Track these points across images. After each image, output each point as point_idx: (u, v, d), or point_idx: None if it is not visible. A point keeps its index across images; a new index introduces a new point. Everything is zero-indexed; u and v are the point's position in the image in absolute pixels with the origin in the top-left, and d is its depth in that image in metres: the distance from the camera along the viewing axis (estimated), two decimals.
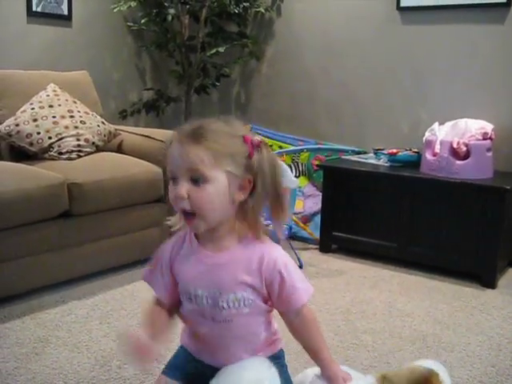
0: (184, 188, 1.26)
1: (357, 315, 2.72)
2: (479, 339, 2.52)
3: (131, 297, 2.86)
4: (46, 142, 3.14)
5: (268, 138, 4.01)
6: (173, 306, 1.47)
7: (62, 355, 2.26)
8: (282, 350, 1.53)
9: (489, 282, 3.14)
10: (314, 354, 1.44)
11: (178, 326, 1.55)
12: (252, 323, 1.42)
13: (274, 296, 1.38)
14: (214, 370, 1.43)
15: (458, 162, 3.22)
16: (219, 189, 1.28)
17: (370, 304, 2.86)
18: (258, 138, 1.32)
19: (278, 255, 1.37)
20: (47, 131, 3.15)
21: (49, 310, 2.67)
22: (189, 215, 1.29)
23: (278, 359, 1.48)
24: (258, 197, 1.32)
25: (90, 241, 2.98)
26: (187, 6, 4.16)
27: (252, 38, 4.36)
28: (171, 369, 1.56)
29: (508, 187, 3.05)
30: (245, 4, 4.21)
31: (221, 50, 4.16)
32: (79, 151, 3.19)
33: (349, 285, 3.11)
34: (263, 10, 4.28)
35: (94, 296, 2.85)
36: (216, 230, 1.35)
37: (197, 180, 1.26)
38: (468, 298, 2.97)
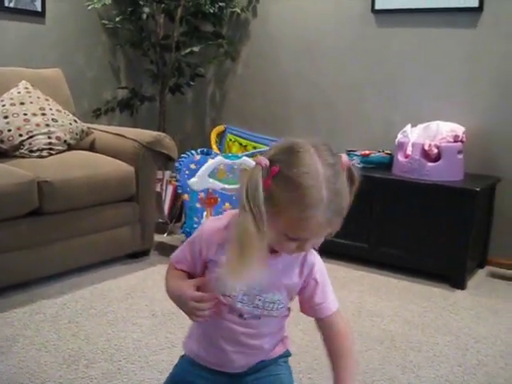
0: (311, 243, 1.25)
1: None
2: (447, 339, 2.54)
3: (101, 296, 2.84)
4: (17, 140, 3.10)
5: (242, 138, 4.00)
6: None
7: (29, 354, 2.24)
8: (288, 351, 1.53)
9: (458, 283, 3.17)
10: (335, 368, 1.38)
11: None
12: (275, 323, 1.42)
13: (304, 300, 1.39)
14: (225, 380, 1.43)
15: (430, 164, 3.25)
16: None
17: (340, 304, 2.85)
18: (347, 160, 1.27)
19: (316, 261, 1.38)
20: (18, 128, 3.12)
21: (17, 309, 2.64)
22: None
23: (286, 357, 1.50)
24: None
25: (61, 239, 2.96)
26: (162, 5, 4.14)
27: (227, 39, 4.35)
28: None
29: (478, 189, 3.09)
30: (220, 4, 4.20)
31: (195, 49, 4.15)
32: (50, 149, 3.16)
33: None
34: (239, 11, 4.28)
35: (64, 295, 2.83)
36: None
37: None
38: (437, 299, 3.00)
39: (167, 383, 1.49)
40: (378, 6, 3.79)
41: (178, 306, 1.36)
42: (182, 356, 1.51)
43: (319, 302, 1.37)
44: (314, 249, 1.36)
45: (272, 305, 1.35)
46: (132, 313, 2.64)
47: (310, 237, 1.21)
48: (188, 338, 1.49)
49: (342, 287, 3.10)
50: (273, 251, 1.29)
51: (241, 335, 1.37)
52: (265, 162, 1.19)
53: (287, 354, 1.51)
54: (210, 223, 1.36)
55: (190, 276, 1.40)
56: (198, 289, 1.34)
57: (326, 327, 1.39)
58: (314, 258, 1.38)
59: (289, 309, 1.42)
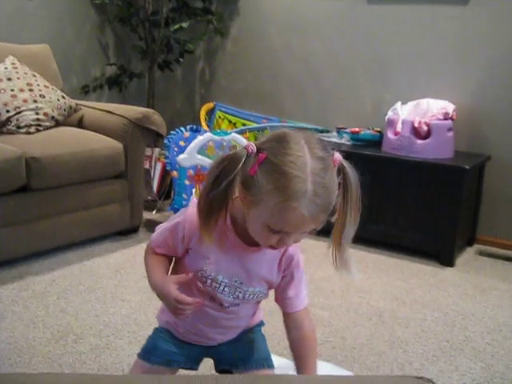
0: (293, 238, 1.23)
1: (315, 292, 2.73)
2: (435, 315, 2.56)
3: (90, 272, 2.84)
4: (4, 116, 3.07)
5: (232, 115, 3.99)
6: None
7: (17, 330, 2.24)
8: (262, 321, 1.57)
9: (447, 261, 3.18)
10: (299, 366, 1.40)
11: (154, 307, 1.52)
12: (253, 306, 1.46)
13: (278, 291, 1.41)
14: (201, 349, 1.47)
15: (419, 142, 3.25)
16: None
17: (329, 281, 2.88)
18: (339, 156, 1.23)
19: (295, 255, 1.38)
20: (5, 104, 3.08)
21: (5, 286, 2.63)
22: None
23: (260, 326, 1.55)
24: (344, 212, 1.28)
25: (49, 216, 2.94)
26: None
27: (217, 15, 4.31)
28: (151, 353, 1.48)
29: (467, 167, 3.09)
30: None
31: (184, 25, 4.11)
32: (38, 125, 3.13)
33: (309, 262, 3.11)
34: None
35: (53, 271, 2.82)
36: None
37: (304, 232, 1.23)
38: (426, 276, 3.02)
39: (144, 352, 1.49)
40: None
41: (160, 299, 1.35)
42: (156, 328, 1.52)
43: (290, 296, 1.39)
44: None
45: (252, 296, 1.37)
46: (121, 289, 2.64)
47: (291, 230, 1.19)
48: (162, 313, 1.51)
49: (330, 264, 3.09)
50: (254, 245, 1.30)
51: (220, 319, 1.41)
52: (252, 147, 1.17)
53: (261, 324, 1.56)
54: (192, 209, 1.30)
55: (170, 258, 1.41)
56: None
57: (291, 322, 1.41)
58: (294, 251, 1.37)
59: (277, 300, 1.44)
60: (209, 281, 1.34)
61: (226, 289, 1.34)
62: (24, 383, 0.95)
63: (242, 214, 1.26)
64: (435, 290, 2.84)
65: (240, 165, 1.15)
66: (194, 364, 1.52)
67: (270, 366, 1.49)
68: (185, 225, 1.32)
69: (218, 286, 1.33)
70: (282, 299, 1.41)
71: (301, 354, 1.40)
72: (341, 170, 1.22)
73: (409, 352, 2.23)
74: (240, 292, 1.35)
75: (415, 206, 3.24)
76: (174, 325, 1.47)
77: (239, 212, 1.26)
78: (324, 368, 1.37)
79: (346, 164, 1.23)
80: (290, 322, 1.41)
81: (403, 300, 2.70)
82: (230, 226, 1.30)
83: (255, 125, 3.93)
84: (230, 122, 3.92)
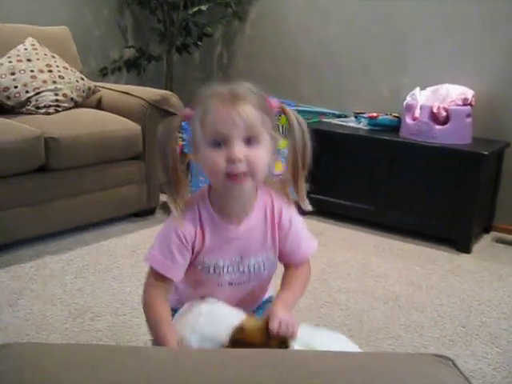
0: (241, 150, 1.22)
1: (332, 275, 2.74)
2: (451, 301, 2.55)
3: (107, 252, 2.86)
4: (24, 96, 3.09)
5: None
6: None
7: (35, 307, 2.26)
8: (272, 296, 1.55)
9: (464, 247, 3.17)
10: (283, 290, 1.41)
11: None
12: (267, 280, 1.47)
13: (281, 246, 1.40)
14: None
15: (438, 127, 3.23)
16: (267, 149, 1.27)
17: (346, 265, 2.88)
18: (276, 99, 1.31)
19: (282, 207, 1.39)
20: (25, 85, 3.10)
21: (23, 264, 2.66)
22: (238, 177, 1.24)
23: (270, 302, 1.50)
24: (292, 163, 1.33)
25: (67, 196, 2.96)
26: None
27: None
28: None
29: (486, 153, 3.07)
30: None
31: (203, 8, 4.09)
32: (57, 106, 3.15)
33: (325, 246, 3.12)
34: None
35: (70, 251, 2.85)
36: (243, 199, 1.34)
37: (250, 140, 1.23)
38: (442, 262, 3.01)
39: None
40: None
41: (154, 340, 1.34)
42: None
43: (290, 247, 1.41)
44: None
45: (257, 266, 1.38)
46: (137, 269, 2.65)
47: (225, 129, 1.21)
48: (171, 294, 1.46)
49: (348, 249, 3.11)
50: (236, 221, 1.33)
51: (231, 297, 1.40)
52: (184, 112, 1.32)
53: (271, 299, 1.51)
54: (169, 221, 1.35)
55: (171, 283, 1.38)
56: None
57: (292, 268, 1.44)
58: (282, 205, 1.38)
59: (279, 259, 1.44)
60: (211, 269, 1.35)
61: (229, 268, 1.36)
62: (41, 351, 0.96)
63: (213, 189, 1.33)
64: (451, 276, 2.83)
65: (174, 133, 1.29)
66: None
67: None
68: (178, 228, 1.32)
69: (220, 269, 1.35)
70: (285, 254, 1.42)
71: (286, 281, 1.42)
72: (283, 113, 1.31)
73: (424, 336, 2.23)
74: (243, 266, 1.37)
75: (432, 192, 3.22)
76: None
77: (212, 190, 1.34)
78: (338, 341, 1.36)
79: (287, 109, 1.32)
80: (291, 267, 1.44)
81: (419, 285, 2.70)
82: (210, 209, 1.33)
83: None
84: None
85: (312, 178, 3.72)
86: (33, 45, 3.28)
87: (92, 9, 4.27)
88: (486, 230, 3.51)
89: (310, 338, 1.30)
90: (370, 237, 3.32)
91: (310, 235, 1.44)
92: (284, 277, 1.44)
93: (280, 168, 3.85)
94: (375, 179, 3.38)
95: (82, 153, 2.95)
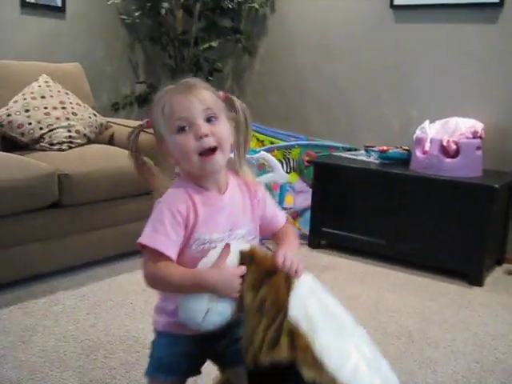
0: (206, 126, 1.36)
1: None
2: (464, 336, 2.54)
3: (119, 288, 2.86)
4: (38, 133, 3.14)
5: (260, 133, 4.01)
6: None
7: (48, 344, 2.27)
8: None
9: (476, 280, 3.16)
10: (282, 243, 1.51)
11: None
12: None
13: (262, 217, 1.52)
14: (202, 342, 1.46)
15: (448, 160, 3.24)
16: (226, 125, 1.42)
17: (358, 299, 2.88)
18: (222, 92, 1.47)
19: (252, 184, 1.51)
20: (39, 122, 3.15)
21: (36, 300, 2.67)
22: (210, 152, 1.36)
23: None
24: (241, 138, 1.47)
25: (79, 232, 2.99)
26: (181, 0, 4.16)
27: (245, 34, 4.36)
28: (158, 369, 1.53)
29: (496, 186, 3.07)
30: None
31: (214, 44, 4.16)
32: (70, 142, 3.19)
33: (337, 280, 3.12)
34: (257, 6, 4.29)
35: (82, 287, 2.86)
36: (216, 175, 1.43)
37: (210, 119, 1.37)
38: (455, 296, 2.99)
39: (151, 370, 1.54)
40: (396, 2, 3.78)
41: (220, 291, 1.31)
42: (155, 339, 1.54)
43: (270, 216, 1.54)
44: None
45: (243, 238, 1.44)
46: (149, 305, 2.63)
47: (186, 114, 1.35)
48: (158, 315, 1.52)
49: (360, 283, 3.10)
50: (221, 190, 1.44)
51: None
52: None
53: None
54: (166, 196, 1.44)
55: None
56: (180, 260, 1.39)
57: (278, 233, 1.55)
58: (255, 184, 1.51)
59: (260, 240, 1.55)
60: (207, 244, 1.39)
61: (222, 242, 1.40)
62: None
63: (184, 171, 1.44)
64: (464, 310, 2.82)
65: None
66: (197, 367, 1.56)
67: None
68: (172, 204, 1.38)
69: (215, 244, 1.39)
70: (265, 223, 1.53)
71: (280, 237, 1.54)
72: (230, 101, 1.46)
73: (438, 372, 2.22)
74: (234, 238, 1.42)
75: (444, 225, 3.22)
76: (173, 322, 1.44)
77: (184, 173, 1.45)
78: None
79: (232, 97, 1.47)
80: (276, 233, 1.55)
81: (432, 319, 2.69)
82: (195, 187, 1.41)
83: (283, 143, 3.95)
84: (258, 140, 3.95)
85: (322, 211, 3.74)
86: (46, 82, 3.34)
87: (104, 45, 4.34)
88: (498, 263, 3.50)
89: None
90: (381, 270, 3.32)
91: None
92: (276, 238, 1.55)
93: (291, 201, 3.85)
94: (386, 213, 3.39)
95: (95, 189, 2.98)
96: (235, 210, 1.44)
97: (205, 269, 1.33)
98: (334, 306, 1.38)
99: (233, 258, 1.34)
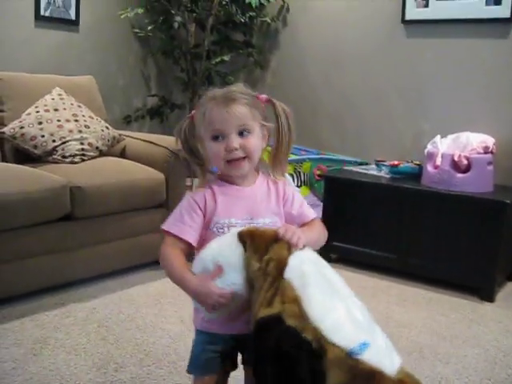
0: (236, 141, 1.49)
1: None
2: (476, 352, 2.52)
3: (130, 301, 2.87)
4: (50, 145, 3.16)
5: (271, 146, 4.02)
6: (190, 250, 1.58)
7: (59, 357, 2.28)
8: None
9: (487, 296, 3.14)
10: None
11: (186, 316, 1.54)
12: None
13: (288, 213, 1.60)
14: (238, 340, 1.54)
15: (459, 175, 3.24)
16: (258, 137, 1.54)
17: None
18: (264, 95, 1.58)
19: (286, 185, 1.63)
20: (51, 134, 3.17)
21: (48, 312, 2.68)
22: (237, 160, 1.51)
23: None
24: (279, 142, 1.57)
25: (91, 244, 3.00)
26: (194, 14, 4.19)
27: (257, 48, 4.39)
28: (196, 367, 1.61)
29: (508, 201, 3.07)
30: (251, 14, 4.24)
31: (226, 58, 4.19)
32: (83, 155, 3.21)
33: None
34: (269, 20, 4.32)
35: (94, 299, 2.87)
36: (244, 176, 1.57)
37: (243, 132, 1.50)
38: (466, 311, 2.98)
39: (191, 367, 1.62)
40: (408, 17, 3.79)
41: (196, 299, 1.45)
42: (196, 337, 1.61)
43: (297, 211, 1.60)
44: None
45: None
46: (161, 318, 2.67)
47: (222, 127, 1.49)
48: (196, 315, 1.59)
49: (370, 297, 3.10)
50: (246, 184, 1.57)
51: None
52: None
53: None
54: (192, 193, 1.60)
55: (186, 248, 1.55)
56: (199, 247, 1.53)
57: (304, 226, 1.60)
58: (284, 184, 1.62)
59: None
60: (226, 228, 1.52)
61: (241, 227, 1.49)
62: None
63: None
64: (475, 326, 2.80)
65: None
66: (233, 363, 1.63)
67: None
68: (194, 195, 1.55)
69: (233, 227, 1.50)
70: (291, 221, 1.58)
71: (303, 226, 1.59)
72: (271, 104, 1.56)
73: None
74: (253, 225, 1.51)
75: (455, 240, 3.22)
76: (209, 322, 1.54)
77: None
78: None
79: (274, 100, 1.57)
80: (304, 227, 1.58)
81: (443, 335, 2.68)
82: (220, 182, 1.57)
83: (294, 156, 3.96)
84: (269, 153, 3.95)
85: (333, 225, 3.74)
86: (60, 94, 3.37)
87: (117, 58, 4.38)
88: (509, 278, 3.48)
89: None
90: (392, 285, 3.31)
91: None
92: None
93: None
94: (397, 227, 3.38)
95: (107, 202, 3.00)
96: (257, 202, 1.56)
97: (192, 276, 1.45)
98: (333, 275, 1.42)
99: (232, 237, 1.43)
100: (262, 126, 1.55)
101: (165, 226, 1.56)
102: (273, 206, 1.58)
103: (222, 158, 1.51)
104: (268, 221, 1.55)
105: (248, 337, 1.44)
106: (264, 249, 1.38)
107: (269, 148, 1.63)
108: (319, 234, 1.60)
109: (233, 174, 1.54)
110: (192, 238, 1.53)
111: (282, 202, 1.59)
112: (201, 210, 1.54)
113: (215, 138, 1.50)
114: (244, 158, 1.51)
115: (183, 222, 1.53)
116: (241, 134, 1.50)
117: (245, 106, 1.51)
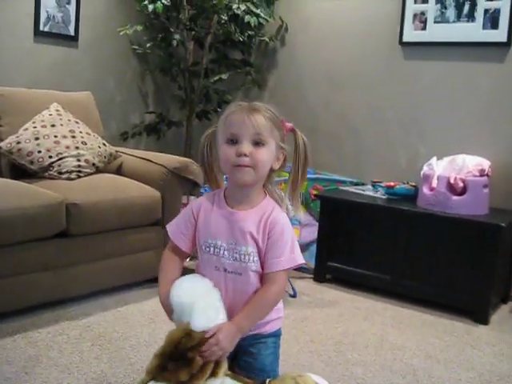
0: (248, 148, 1.53)
1: (348, 347, 2.72)
2: (470, 375, 2.52)
3: (124, 319, 2.86)
4: (47, 161, 3.15)
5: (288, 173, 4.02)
6: (188, 254, 1.71)
7: (52, 376, 2.26)
8: (280, 329, 1.73)
9: (481, 318, 3.14)
10: (242, 311, 1.59)
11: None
12: (256, 283, 1.61)
13: (264, 254, 1.59)
14: None
15: (455, 198, 3.25)
16: (270, 152, 1.57)
17: (362, 336, 2.87)
18: (290, 123, 1.66)
19: (279, 219, 1.60)
20: (48, 150, 3.16)
21: (41, 330, 2.66)
22: (244, 168, 1.54)
23: (276, 337, 1.72)
24: (296, 171, 1.63)
25: (86, 261, 2.99)
26: (193, 33, 4.21)
27: (255, 66, 4.41)
28: None
29: (503, 224, 3.08)
30: (250, 33, 4.26)
31: (224, 77, 4.20)
32: (79, 171, 3.20)
33: (342, 316, 3.11)
34: (267, 39, 4.34)
35: (87, 317, 2.85)
36: (248, 190, 1.60)
37: (257, 143, 1.55)
38: (460, 334, 2.98)
39: None
40: (405, 39, 3.82)
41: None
42: None
43: (269, 257, 1.59)
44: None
45: (248, 257, 1.58)
46: (154, 338, 2.65)
47: (238, 131, 1.54)
48: None
49: (364, 319, 3.09)
50: (241, 207, 1.60)
51: (228, 289, 1.60)
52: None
53: (279, 333, 1.72)
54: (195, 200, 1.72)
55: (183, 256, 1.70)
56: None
57: (265, 281, 1.60)
58: (280, 217, 1.60)
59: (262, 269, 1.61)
60: (212, 248, 1.60)
61: (225, 252, 1.59)
62: None
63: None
64: (469, 349, 2.80)
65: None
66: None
67: (258, 376, 1.62)
68: (194, 203, 1.68)
69: (219, 250, 1.59)
70: (264, 261, 1.59)
71: (251, 300, 1.59)
72: (293, 134, 1.64)
73: None
74: (236, 253, 1.58)
75: (450, 263, 3.22)
76: None
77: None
78: None
79: (297, 130, 1.65)
80: (264, 280, 1.60)
81: (437, 358, 2.67)
82: (222, 197, 1.64)
83: None
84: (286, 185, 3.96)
85: (328, 245, 3.74)
86: (57, 110, 3.37)
87: (115, 74, 4.39)
88: (504, 301, 3.48)
89: None
90: (386, 307, 3.30)
91: (296, 253, 1.61)
92: (254, 295, 1.61)
93: (297, 234, 3.86)
94: (392, 248, 3.38)
95: (103, 219, 2.99)
96: (245, 230, 1.58)
97: (163, 290, 1.61)
98: None
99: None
100: (278, 146, 1.60)
101: (168, 227, 1.70)
102: (258, 241, 1.58)
103: (230, 162, 1.55)
104: (250, 250, 1.58)
105: (237, 343, 1.56)
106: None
107: (285, 174, 1.69)
108: (265, 309, 1.61)
109: (238, 177, 1.56)
110: (185, 245, 1.67)
111: (264, 241, 1.59)
112: (194, 219, 1.65)
113: (229, 141, 1.55)
114: (250, 166, 1.54)
115: (179, 228, 1.67)
116: (255, 144, 1.54)
117: (266, 120, 1.56)
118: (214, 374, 1.47)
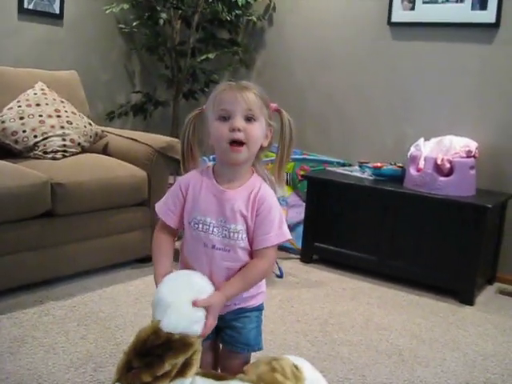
0: (241, 123, 1.55)
1: (334, 327, 2.73)
2: (455, 355, 2.53)
3: (110, 299, 2.85)
4: (32, 141, 3.12)
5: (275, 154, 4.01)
6: (178, 230, 1.70)
7: (37, 356, 2.25)
8: (263, 304, 1.74)
9: (467, 299, 3.16)
10: (231, 280, 1.61)
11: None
12: (244, 260, 1.62)
13: (252, 232, 1.61)
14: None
15: (442, 179, 3.25)
16: (261, 128, 1.59)
17: (348, 316, 2.87)
18: (275, 104, 1.66)
19: (267, 196, 1.61)
20: (33, 130, 3.13)
21: (26, 310, 2.65)
22: (238, 144, 1.55)
23: (259, 311, 1.73)
24: (282, 150, 1.64)
25: (71, 241, 2.97)
26: (179, 11, 4.17)
27: (243, 46, 4.37)
28: None
29: (489, 205, 3.08)
30: (237, 12, 4.22)
31: (211, 56, 4.16)
32: (64, 151, 3.18)
33: (328, 296, 3.12)
34: (255, 19, 4.30)
35: (73, 297, 2.84)
36: (238, 168, 1.62)
37: (249, 119, 1.56)
38: (445, 314, 3.00)
39: None
40: (394, 19, 3.80)
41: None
42: None
43: (258, 234, 1.60)
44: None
45: (236, 234, 1.59)
46: (140, 318, 2.64)
47: (230, 107, 1.55)
48: None
49: (351, 299, 3.10)
50: (230, 186, 1.61)
51: (215, 265, 1.61)
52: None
53: (261, 308, 1.74)
54: (184, 175, 1.69)
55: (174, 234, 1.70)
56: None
57: (254, 255, 1.63)
58: (267, 194, 1.62)
59: (250, 247, 1.63)
60: (200, 225, 1.61)
61: (214, 229, 1.60)
62: None
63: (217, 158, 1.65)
64: (455, 329, 2.82)
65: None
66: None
67: (243, 350, 1.69)
68: (181, 180, 1.66)
69: (208, 227, 1.60)
70: (253, 238, 1.61)
71: (240, 272, 1.61)
72: (279, 114, 1.65)
73: None
74: (226, 230, 1.59)
75: (436, 243, 3.23)
76: None
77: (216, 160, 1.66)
78: None
79: (282, 110, 1.66)
80: (254, 256, 1.63)
81: (422, 338, 2.69)
82: (211, 175, 1.64)
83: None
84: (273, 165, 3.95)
85: (315, 226, 3.75)
86: (42, 89, 3.33)
87: (100, 53, 4.34)
88: (490, 282, 3.50)
89: None
90: (372, 287, 3.31)
91: (283, 228, 1.63)
92: (243, 267, 1.63)
93: (284, 215, 3.85)
94: (379, 229, 3.39)
95: (88, 199, 2.97)
96: (234, 208, 1.59)
97: (158, 273, 1.63)
98: None
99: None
100: (267, 123, 1.61)
101: (156, 206, 1.70)
102: (247, 218, 1.60)
103: (224, 139, 1.55)
104: (239, 228, 1.60)
105: (221, 317, 1.59)
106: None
107: (271, 154, 1.69)
108: (252, 281, 1.63)
109: (232, 158, 1.57)
110: (173, 222, 1.66)
111: (253, 217, 1.60)
112: (183, 195, 1.64)
113: (222, 118, 1.56)
114: (243, 143, 1.55)
115: (167, 206, 1.67)
116: (247, 120, 1.56)
117: (256, 97, 1.57)
118: (182, 375, 1.44)
